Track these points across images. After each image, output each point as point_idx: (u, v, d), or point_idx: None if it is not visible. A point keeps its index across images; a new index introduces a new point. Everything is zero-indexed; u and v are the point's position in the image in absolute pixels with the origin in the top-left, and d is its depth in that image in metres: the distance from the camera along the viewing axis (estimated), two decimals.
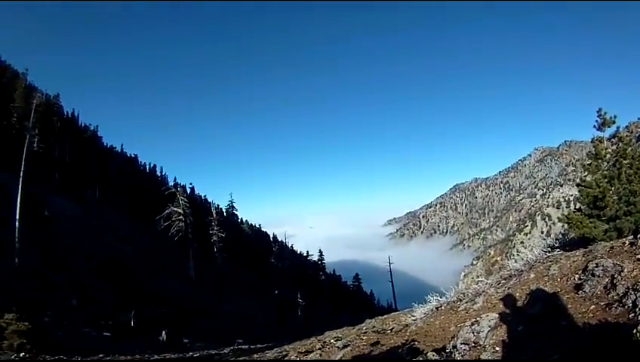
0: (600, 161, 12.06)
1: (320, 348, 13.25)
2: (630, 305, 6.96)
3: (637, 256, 8.93)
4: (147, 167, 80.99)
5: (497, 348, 8.03)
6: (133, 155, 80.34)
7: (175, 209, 46.43)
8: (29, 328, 14.95)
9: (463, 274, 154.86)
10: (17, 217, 26.91)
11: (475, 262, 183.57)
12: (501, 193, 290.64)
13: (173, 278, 42.39)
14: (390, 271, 52.00)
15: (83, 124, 71.89)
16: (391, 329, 13.48)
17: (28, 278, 24.55)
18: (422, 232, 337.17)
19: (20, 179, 28.31)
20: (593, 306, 7.75)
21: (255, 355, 16.32)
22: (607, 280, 8.40)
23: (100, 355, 16.63)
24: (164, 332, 22.33)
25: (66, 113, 67.50)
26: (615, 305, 7.28)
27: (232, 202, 77.09)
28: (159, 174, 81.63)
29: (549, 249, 14.64)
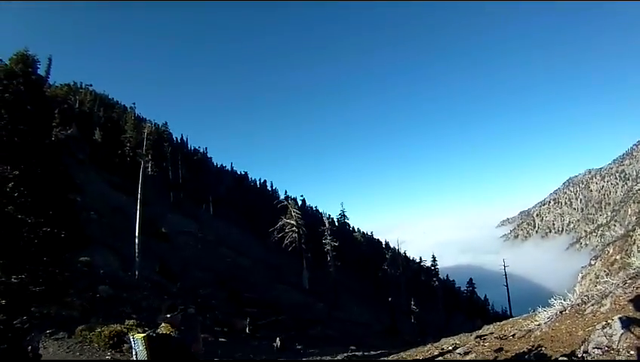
0: None
1: (440, 355, 13.14)
2: None
3: None
4: (257, 182, 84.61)
5: (632, 352, 7.65)
6: (243, 173, 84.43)
7: (288, 221, 48.04)
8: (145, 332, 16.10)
9: (580, 275, 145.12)
10: (137, 234, 29.75)
11: (593, 262, 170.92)
12: (617, 183, 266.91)
13: (288, 287, 43.64)
14: (505, 275, 50.30)
15: (192, 148, 76.89)
16: (513, 335, 13.11)
17: (147, 288, 26.60)
18: (536, 232, 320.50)
19: (138, 201, 31.21)
20: None
21: None
22: None
23: (216, 359, 17.58)
24: (278, 338, 22.88)
25: (175, 139, 73.06)
26: None
27: (343, 211, 77.77)
28: (270, 188, 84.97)
29: None
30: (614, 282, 14.00)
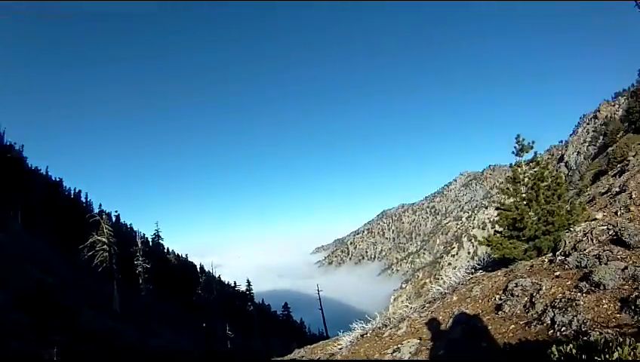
0: (518, 184, 12.68)
1: None
2: (549, 322, 7.25)
3: (555, 274, 9.46)
4: (72, 192, 77.16)
5: None
6: (58, 179, 76.27)
7: (99, 238, 44.50)
8: None
9: (392, 297, 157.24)
10: None
11: (404, 286, 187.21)
12: (428, 217, 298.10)
13: (99, 311, 40.53)
14: (319, 299, 52.17)
15: (8, 142, 67.18)
16: (318, 359, 13.59)
17: None
18: (350, 259, 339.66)
19: None
20: (513, 326, 8.06)
21: None
22: (526, 299, 8.75)
23: None
24: None
25: None
26: (534, 323, 7.60)
27: (157, 231, 75.10)
28: (84, 200, 77.94)
29: (473, 270, 15.24)
30: (413, 306, 15.22)
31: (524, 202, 12.25)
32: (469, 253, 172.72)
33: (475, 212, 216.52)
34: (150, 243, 74.51)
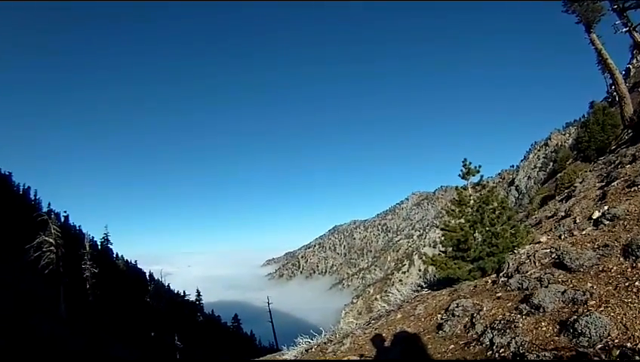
0: (464, 206, 13.08)
1: None
2: (488, 343, 7.42)
3: (497, 295, 9.84)
4: (21, 188, 74.18)
5: None
6: (7, 173, 73.17)
7: (47, 238, 43.03)
8: None
9: (343, 312, 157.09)
10: None
11: (355, 301, 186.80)
12: (379, 234, 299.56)
13: (44, 317, 39.31)
14: (270, 311, 52.13)
15: None
16: None
17: None
18: (301, 272, 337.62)
19: None
20: (452, 346, 8.28)
21: None
22: (466, 319, 9.02)
23: None
24: None
25: None
26: (473, 344, 7.79)
27: (107, 235, 73.35)
28: (32, 198, 75.11)
29: (419, 288, 15.63)
30: (358, 323, 15.51)
31: (469, 224, 12.67)
32: (419, 270, 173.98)
33: (427, 231, 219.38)
34: (99, 247, 72.56)
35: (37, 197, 75.65)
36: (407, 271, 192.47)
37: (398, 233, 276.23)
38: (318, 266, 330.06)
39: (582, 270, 8.66)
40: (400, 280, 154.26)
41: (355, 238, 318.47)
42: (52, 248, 43.07)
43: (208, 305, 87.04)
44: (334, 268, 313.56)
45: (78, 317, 43.58)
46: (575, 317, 6.52)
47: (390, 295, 16.67)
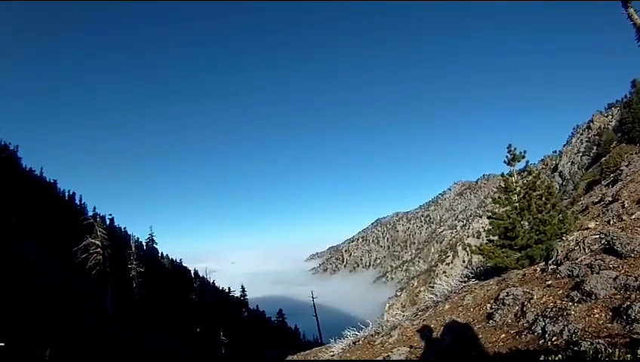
0: (510, 193, 12.60)
1: None
2: (540, 331, 7.18)
3: (547, 283, 9.40)
4: (66, 194, 76.77)
5: None
6: (52, 181, 75.94)
7: (93, 241, 44.21)
8: None
9: (387, 305, 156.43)
10: None
11: (399, 293, 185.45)
12: (422, 226, 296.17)
13: (91, 315, 40.26)
14: (314, 306, 52.02)
15: (2, 142, 67.17)
16: None
17: None
18: (345, 266, 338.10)
19: None
20: (504, 335, 8.03)
21: None
22: (517, 308, 8.68)
23: None
24: None
25: None
26: (525, 333, 7.56)
27: (152, 235, 75.09)
28: (78, 203, 77.60)
29: (466, 279, 15.16)
30: (406, 314, 15.18)
31: (517, 211, 12.18)
32: (463, 261, 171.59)
33: (470, 221, 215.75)
34: (144, 247, 74.28)
35: (82, 202, 78.09)
36: (451, 262, 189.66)
37: (441, 224, 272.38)
38: (361, 260, 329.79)
39: (633, 255, 8.47)
40: (444, 272, 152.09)
41: (398, 231, 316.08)
42: (98, 250, 44.10)
43: (253, 300, 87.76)
44: (378, 261, 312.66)
45: (125, 314, 44.57)
46: (628, 303, 6.37)
47: (436, 286, 16.34)
